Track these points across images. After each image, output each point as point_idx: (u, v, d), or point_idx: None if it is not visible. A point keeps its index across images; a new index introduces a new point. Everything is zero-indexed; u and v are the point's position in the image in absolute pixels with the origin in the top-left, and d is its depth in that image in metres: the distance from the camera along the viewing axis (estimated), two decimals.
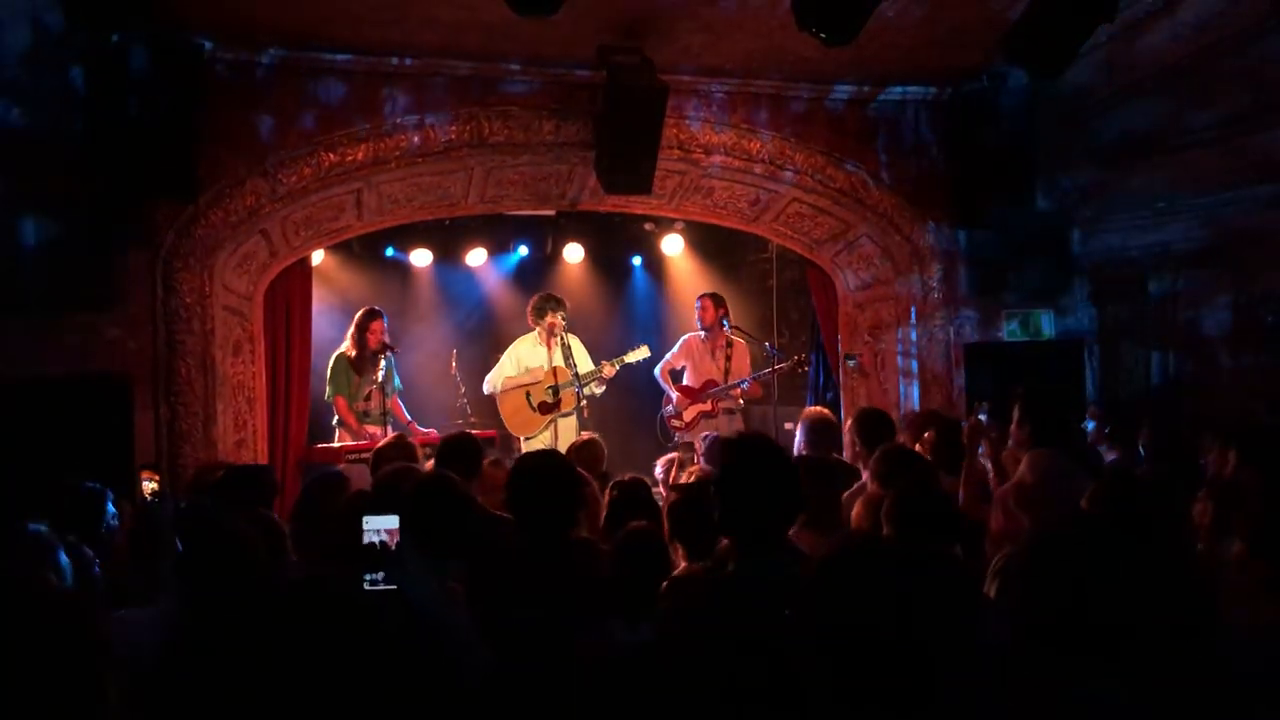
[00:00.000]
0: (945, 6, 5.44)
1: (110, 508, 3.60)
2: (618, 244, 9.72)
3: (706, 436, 5.73)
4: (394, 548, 2.66)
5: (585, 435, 5.65)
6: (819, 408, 5.61)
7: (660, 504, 3.95)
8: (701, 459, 5.31)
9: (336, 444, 6.80)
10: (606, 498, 3.90)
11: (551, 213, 8.28)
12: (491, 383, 7.53)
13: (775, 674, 1.90)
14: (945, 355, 6.88)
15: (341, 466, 5.63)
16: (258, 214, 5.77)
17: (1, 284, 5.09)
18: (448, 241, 8.80)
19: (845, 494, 3.92)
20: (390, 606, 2.62)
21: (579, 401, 7.25)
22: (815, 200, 6.84)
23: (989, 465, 4.20)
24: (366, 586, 2.61)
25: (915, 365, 6.95)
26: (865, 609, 1.62)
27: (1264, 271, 6.28)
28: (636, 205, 7.26)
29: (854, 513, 3.40)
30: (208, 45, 5.38)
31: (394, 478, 3.47)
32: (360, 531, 2.64)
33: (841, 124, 6.70)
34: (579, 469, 3.80)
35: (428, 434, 6.67)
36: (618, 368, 7.36)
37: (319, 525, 3.34)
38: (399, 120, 5.85)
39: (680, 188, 6.81)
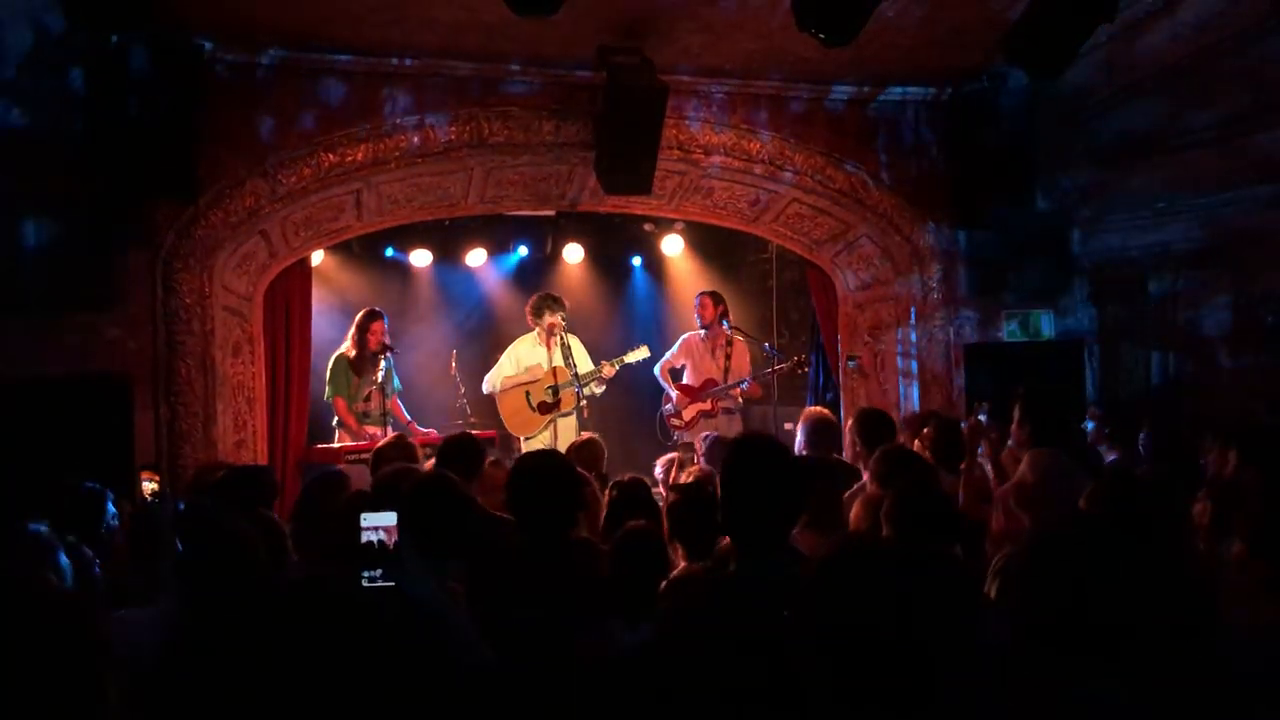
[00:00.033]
0: (945, 6, 5.44)
1: (110, 508, 3.60)
2: (618, 244, 9.72)
3: (707, 436, 5.73)
4: (392, 545, 2.66)
5: (585, 435, 5.65)
6: (819, 408, 5.61)
7: (660, 504, 3.95)
8: (702, 459, 5.31)
9: (336, 444, 6.80)
10: (606, 498, 3.90)
11: (551, 213, 8.28)
12: (490, 382, 7.52)
13: (775, 674, 1.90)
14: (945, 356, 6.88)
15: (341, 467, 5.63)
16: (257, 214, 5.77)
17: (1, 284, 5.09)
18: (447, 242, 8.80)
19: (846, 494, 3.92)
20: (389, 605, 2.62)
21: (578, 401, 7.25)
22: (815, 201, 6.84)
23: (989, 465, 4.20)
24: (365, 584, 2.61)
25: (915, 366, 6.95)
26: (865, 609, 1.62)
27: (1264, 271, 6.28)
28: (636, 206, 7.26)
29: (853, 513, 3.40)
30: (208, 45, 5.38)
31: (394, 478, 3.47)
32: (358, 529, 2.64)
33: (841, 124, 6.70)
34: (579, 469, 3.80)
35: (427, 434, 6.67)
36: (617, 368, 7.36)
37: (319, 525, 3.34)
38: (399, 121, 5.85)
39: (680, 188, 6.82)
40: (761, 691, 1.96)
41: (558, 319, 7.33)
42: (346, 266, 8.63)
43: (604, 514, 3.84)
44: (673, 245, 9.35)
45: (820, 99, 6.62)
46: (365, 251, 8.39)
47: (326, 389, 7.02)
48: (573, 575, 3.03)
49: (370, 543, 2.65)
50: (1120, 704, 1.57)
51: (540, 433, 7.32)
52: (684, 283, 9.66)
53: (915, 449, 4.62)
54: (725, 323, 7.69)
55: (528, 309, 7.54)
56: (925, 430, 4.61)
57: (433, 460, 4.40)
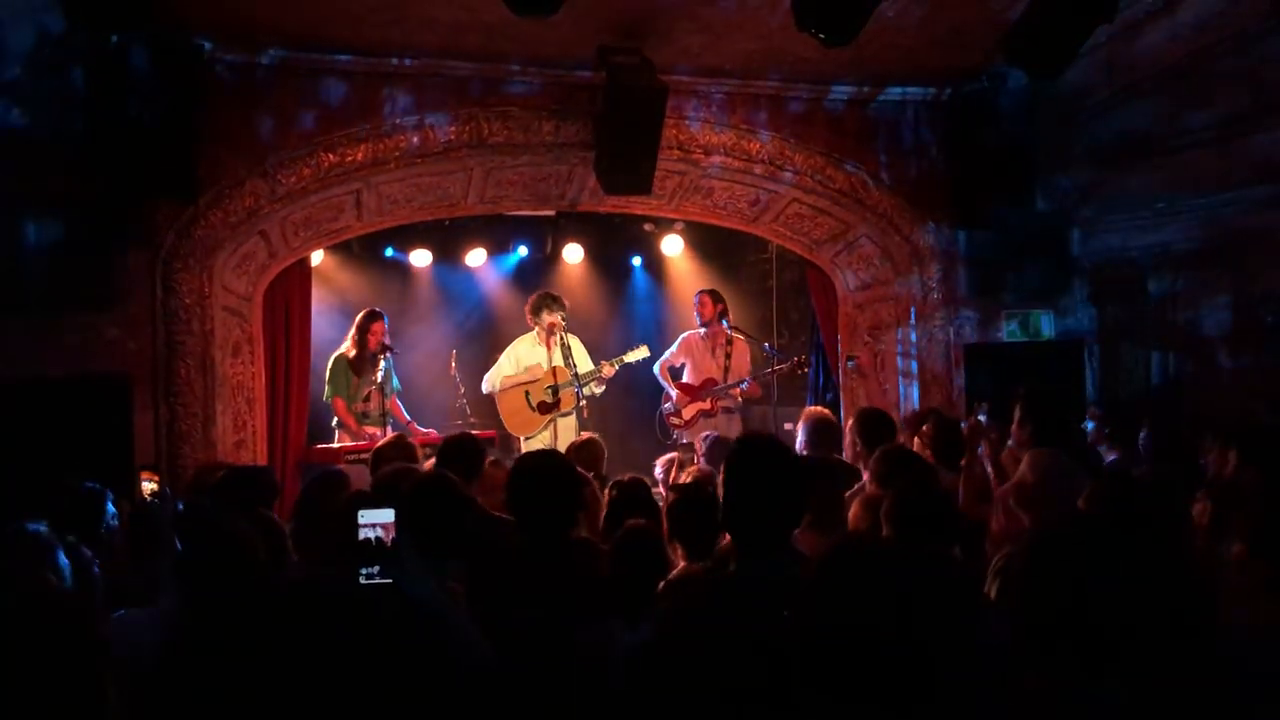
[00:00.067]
0: (945, 6, 5.44)
1: (110, 508, 3.60)
2: (617, 244, 9.73)
3: (707, 436, 5.73)
4: (389, 542, 2.66)
5: (585, 435, 5.65)
6: (820, 408, 5.61)
7: (660, 504, 3.95)
8: (702, 459, 5.31)
9: (336, 445, 6.80)
10: (606, 497, 3.90)
11: (551, 213, 8.28)
12: (490, 382, 7.52)
13: (775, 674, 1.90)
14: (945, 356, 6.88)
15: (341, 467, 5.63)
16: (257, 214, 5.77)
17: (1, 284, 5.09)
18: (447, 242, 8.80)
19: (846, 494, 3.92)
20: (388, 604, 2.63)
21: (578, 401, 7.25)
22: (815, 201, 6.84)
23: (989, 466, 4.20)
24: (362, 580, 2.61)
25: (915, 366, 6.95)
26: (865, 609, 1.62)
27: (1264, 271, 6.28)
28: (636, 206, 7.26)
29: (851, 513, 3.40)
30: (208, 45, 5.38)
31: (393, 478, 3.48)
32: (356, 527, 2.64)
33: (841, 124, 6.70)
34: (579, 469, 3.80)
35: (427, 434, 6.67)
36: (617, 368, 7.36)
37: (319, 525, 3.34)
38: (398, 121, 5.85)
39: (680, 188, 6.82)
40: (761, 691, 1.96)
41: (557, 318, 7.33)
42: (346, 266, 8.64)
43: (604, 514, 3.84)
44: (673, 245, 9.35)
45: (820, 99, 6.62)
46: (365, 251, 8.39)
47: (326, 389, 7.02)
48: (573, 575, 3.03)
49: (368, 540, 2.65)
50: (1120, 704, 1.57)
51: (540, 433, 7.32)
52: (684, 283, 9.66)
53: (915, 447, 4.62)
54: (725, 322, 7.70)
55: (527, 308, 7.54)
56: (925, 428, 4.62)
57: (433, 460, 4.40)
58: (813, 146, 6.60)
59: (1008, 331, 6.99)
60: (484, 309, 9.66)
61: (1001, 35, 5.28)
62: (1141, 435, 4.89)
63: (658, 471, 5.35)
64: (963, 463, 4.26)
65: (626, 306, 10.19)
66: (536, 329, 7.46)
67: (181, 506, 3.60)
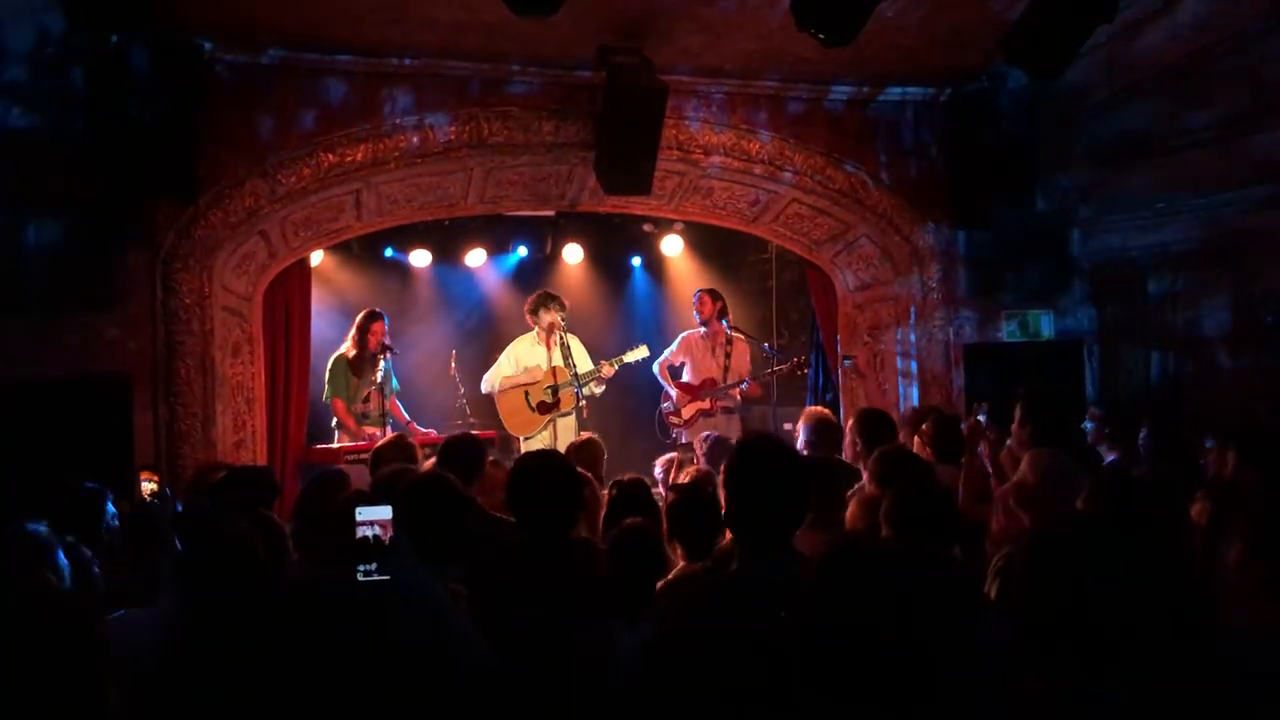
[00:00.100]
0: (945, 7, 5.44)
1: (110, 508, 3.60)
2: (617, 244, 9.73)
3: (707, 436, 5.73)
4: (387, 539, 2.66)
5: (584, 435, 5.65)
6: (821, 408, 5.61)
7: (660, 504, 3.95)
8: (702, 459, 5.31)
9: (336, 445, 6.80)
10: (606, 497, 3.90)
11: (551, 213, 8.28)
12: (489, 382, 7.52)
13: (775, 674, 1.90)
14: (944, 356, 6.88)
15: (340, 467, 5.63)
16: (257, 214, 5.77)
17: (1, 284, 5.09)
18: (447, 242, 8.80)
19: (847, 494, 3.92)
20: (388, 604, 2.63)
21: (578, 401, 7.24)
22: (815, 201, 6.84)
23: (988, 466, 4.20)
24: (360, 577, 2.62)
25: (914, 366, 6.95)
26: (865, 609, 1.62)
27: (1263, 271, 6.29)
28: (636, 206, 7.26)
29: (849, 512, 3.40)
30: (208, 45, 5.38)
31: (392, 478, 3.47)
32: (354, 524, 2.65)
33: (841, 125, 6.70)
34: (579, 469, 3.80)
35: (427, 434, 6.67)
36: (616, 368, 7.36)
37: (319, 524, 3.34)
38: (398, 121, 5.85)
39: (680, 188, 6.82)
40: (761, 691, 1.96)
41: (556, 317, 7.32)
42: (346, 267, 8.64)
43: (604, 514, 3.84)
44: (672, 245, 9.35)
45: (820, 99, 6.62)
46: (365, 251, 8.40)
47: (325, 389, 7.02)
48: (573, 575, 3.03)
49: (365, 537, 2.65)
50: (1120, 704, 1.57)
51: (539, 433, 7.32)
52: (684, 283, 9.66)
53: (916, 444, 4.62)
54: (725, 321, 7.70)
55: (526, 307, 7.53)
56: (925, 426, 4.62)
57: (432, 460, 4.40)
58: (812, 147, 6.60)
59: (1007, 331, 6.99)
60: (484, 309, 9.66)
61: (1001, 35, 5.28)
62: (1141, 435, 4.89)
63: (657, 471, 5.35)
64: (962, 461, 4.26)
65: (626, 306, 10.19)
66: (536, 329, 7.46)
67: (181, 506, 3.60)
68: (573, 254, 9.36)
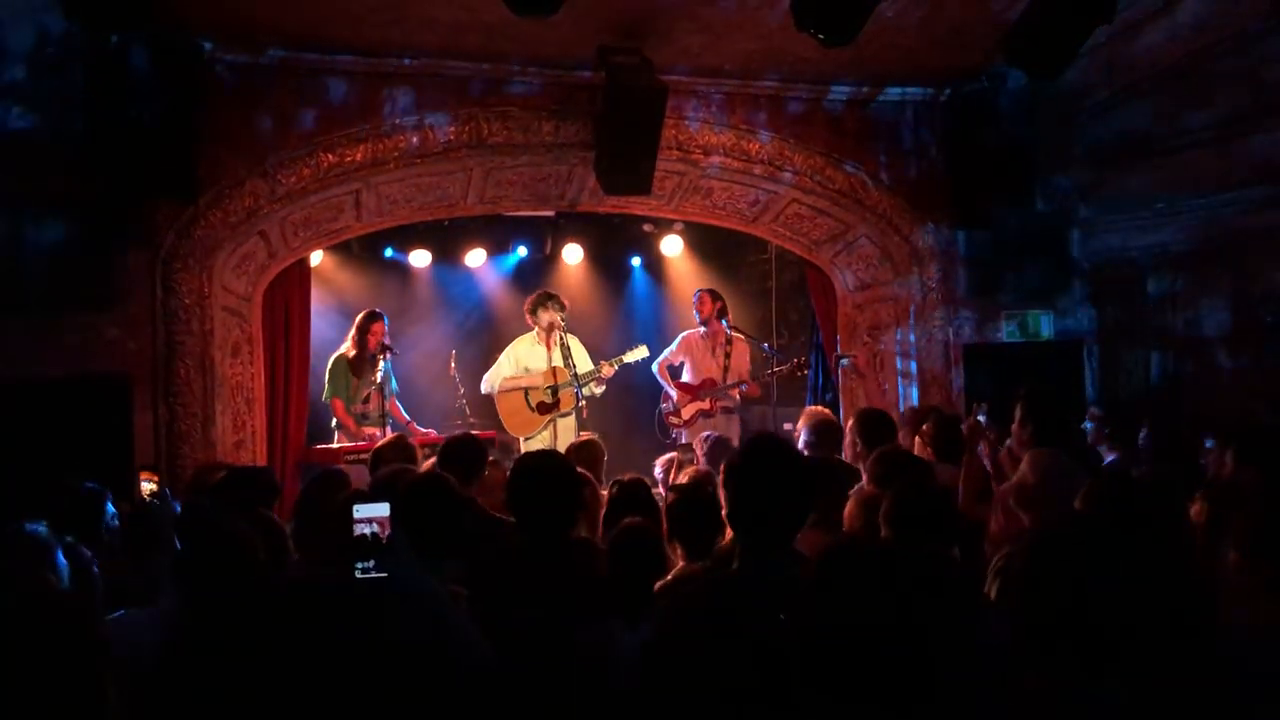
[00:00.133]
0: (945, 7, 5.44)
1: (110, 508, 3.60)
2: (617, 245, 9.73)
3: (708, 436, 5.73)
4: (385, 537, 2.66)
5: (584, 435, 5.65)
6: (821, 408, 5.61)
7: (660, 504, 3.95)
8: (703, 460, 5.31)
9: (335, 445, 6.80)
10: (606, 496, 3.90)
11: (551, 213, 8.28)
12: (489, 382, 7.52)
13: (775, 674, 1.90)
14: (944, 356, 6.89)
15: (340, 467, 5.63)
16: (257, 215, 5.77)
17: (1, 284, 5.09)
18: (447, 242, 8.80)
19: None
20: (387, 604, 2.63)
21: (578, 401, 7.24)
22: (814, 201, 6.84)
23: (988, 466, 4.20)
24: (358, 575, 2.62)
25: (914, 366, 6.95)
26: (865, 609, 1.62)
27: (1263, 271, 6.29)
28: (636, 206, 7.26)
29: (847, 512, 3.39)
30: (208, 45, 5.39)
31: (391, 478, 3.47)
32: (352, 523, 2.65)
33: (840, 125, 6.70)
34: (579, 469, 3.80)
35: (427, 434, 6.67)
36: (616, 368, 7.36)
37: (319, 524, 3.34)
38: (398, 121, 5.85)
39: (679, 188, 6.82)
40: (762, 691, 1.96)
41: (556, 316, 7.32)
42: (346, 267, 8.64)
43: (604, 514, 3.84)
44: (672, 246, 9.35)
45: (819, 99, 6.62)
46: (365, 252, 8.40)
47: (325, 390, 7.02)
48: (573, 575, 3.03)
49: (364, 535, 2.65)
50: (1120, 704, 1.57)
51: (539, 433, 7.32)
52: (683, 283, 9.66)
53: (916, 445, 4.62)
54: (724, 321, 7.70)
55: (526, 307, 7.53)
56: (925, 426, 4.61)
57: (432, 460, 4.40)
58: (812, 147, 6.60)
59: (1007, 332, 6.99)
60: (483, 309, 9.66)
61: (1001, 35, 5.28)
62: (1141, 435, 4.89)
63: (657, 471, 5.34)
64: (962, 461, 4.26)
65: (626, 307, 10.19)
66: (536, 329, 7.46)
67: (181, 506, 3.60)
68: (572, 254, 9.36)
